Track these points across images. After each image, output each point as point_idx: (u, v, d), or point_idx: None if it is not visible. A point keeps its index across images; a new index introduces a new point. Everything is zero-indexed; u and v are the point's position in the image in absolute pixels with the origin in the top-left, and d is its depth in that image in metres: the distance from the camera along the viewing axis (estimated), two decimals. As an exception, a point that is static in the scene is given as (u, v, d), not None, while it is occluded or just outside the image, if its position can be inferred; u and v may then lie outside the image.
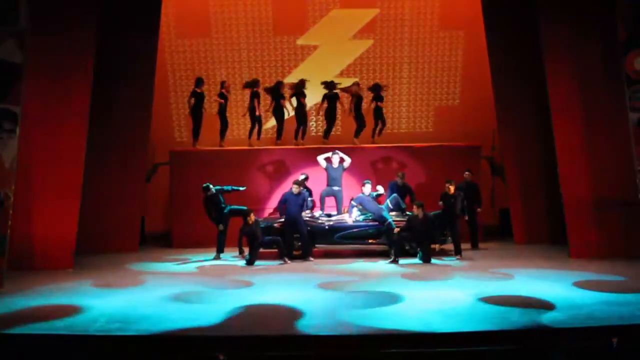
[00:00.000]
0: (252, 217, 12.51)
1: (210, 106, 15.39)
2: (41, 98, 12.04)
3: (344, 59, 16.67)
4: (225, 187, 13.26)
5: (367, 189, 13.10)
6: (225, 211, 13.05)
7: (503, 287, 10.23)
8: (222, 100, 15.03)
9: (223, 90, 15.12)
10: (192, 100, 14.84)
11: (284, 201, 12.91)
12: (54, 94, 12.19)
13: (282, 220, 12.91)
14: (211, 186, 13.07)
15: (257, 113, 15.12)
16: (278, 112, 15.22)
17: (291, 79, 15.89)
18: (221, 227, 13.01)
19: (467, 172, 13.84)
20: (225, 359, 7.20)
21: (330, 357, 7.67)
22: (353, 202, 13.10)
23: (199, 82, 14.99)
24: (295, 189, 12.72)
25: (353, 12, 16.52)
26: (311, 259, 12.72)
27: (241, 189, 13.41)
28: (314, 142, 15.69)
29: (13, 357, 7.75)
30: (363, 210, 13.07)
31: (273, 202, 14.60)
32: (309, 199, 13.61)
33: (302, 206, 12.83)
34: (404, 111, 16.76)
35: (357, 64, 16.68)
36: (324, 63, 16.47)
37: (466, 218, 13.37)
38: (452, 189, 12.91)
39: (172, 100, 16.50)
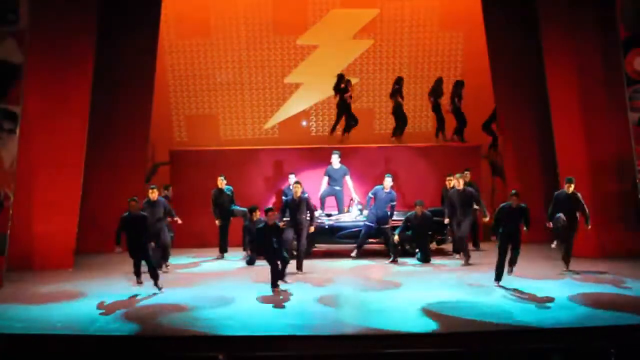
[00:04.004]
0: (257, 214, 12.38)
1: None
2: (41, 98, 12.03)
3: (344, 59, 16.64)
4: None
5: (388, 182, 12.66)
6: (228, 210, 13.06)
7: (502, 286, 10.23)
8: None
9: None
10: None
11: (285, 207, 11.79)
12: (54, 94, 12.18)
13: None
14: (223, 179, 13.01)
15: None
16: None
17: (291, 79, 15.87)
18: (218, 222, 13.00)
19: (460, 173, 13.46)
20: (225, 358, 7.21)
21: (329, 357, 7.67)
22: (369, 194, 12.91)
23: (342, 78, 15.21)
24: (298, 189, 11.60)
25: (353, 12, 16.50)
26: (301, 272, 11.54)
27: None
28: (313, 142, 15.67)
29: (13, 357, 7.76)
30: (372, 203, 12.82)
31: (272, 202, 14.66)
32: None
33: (304, 211, 11.67)
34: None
35: (357, 64, 16.66)
36: (324, 63, 16.45)
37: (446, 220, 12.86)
38: (450, 183, 12.81)
39: (172, 100, 16.48)
